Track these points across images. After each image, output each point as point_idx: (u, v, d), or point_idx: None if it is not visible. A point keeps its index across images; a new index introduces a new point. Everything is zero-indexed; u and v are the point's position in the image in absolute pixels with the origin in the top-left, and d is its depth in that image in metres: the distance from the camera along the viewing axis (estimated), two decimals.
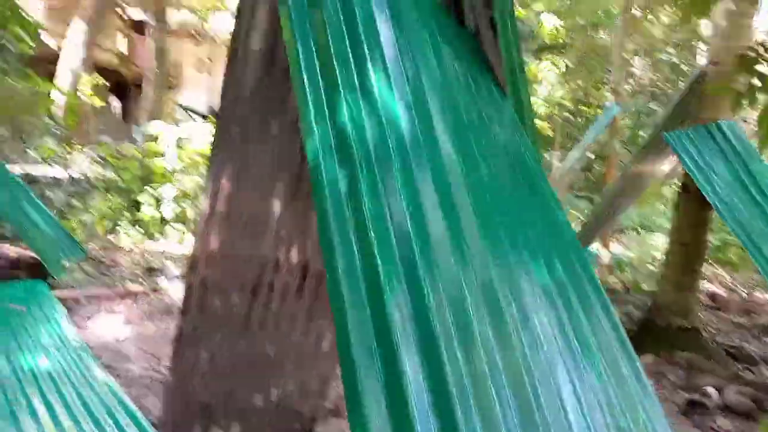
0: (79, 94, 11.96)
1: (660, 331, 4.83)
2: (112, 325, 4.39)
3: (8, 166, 6.92)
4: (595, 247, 8.66)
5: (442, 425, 0.80)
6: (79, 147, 8.26)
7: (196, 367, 2.26)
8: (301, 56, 1.49)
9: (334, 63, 1.46)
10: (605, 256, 7.61)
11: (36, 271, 5.05)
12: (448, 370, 0.85)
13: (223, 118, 2.06)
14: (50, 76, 13.19)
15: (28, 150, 7.24)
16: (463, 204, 1.35)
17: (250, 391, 2.21)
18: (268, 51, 1.93)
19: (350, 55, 1.49)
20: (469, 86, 1.78)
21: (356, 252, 1.23)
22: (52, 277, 4.91)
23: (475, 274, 1.13)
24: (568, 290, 1.27)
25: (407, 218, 1.30)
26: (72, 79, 11.70)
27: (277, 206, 2.03)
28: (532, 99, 12.41)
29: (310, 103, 1.41)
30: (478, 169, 1.50)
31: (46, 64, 14.22)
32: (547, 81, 10.74)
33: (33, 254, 5.16)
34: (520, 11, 11.64)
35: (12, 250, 5.62)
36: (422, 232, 1.27)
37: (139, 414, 2.91)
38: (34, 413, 3.02)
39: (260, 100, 1.89)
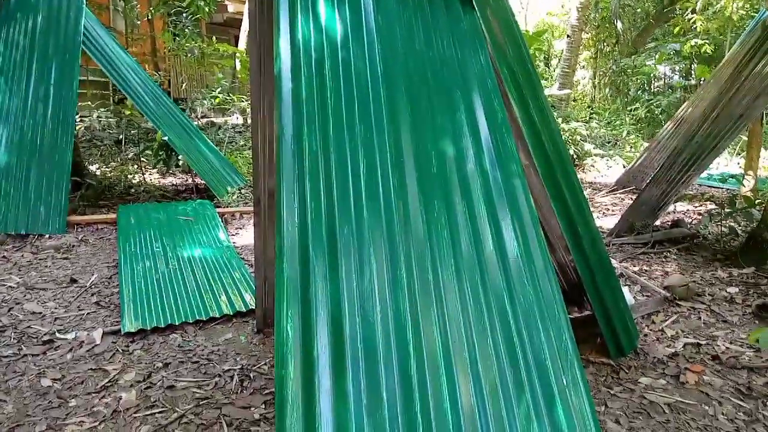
0: None
1: (764, 244, 4.68)
2: None
3: (194, 116, 8.48)
4: (741, 172, 8.02)
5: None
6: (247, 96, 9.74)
7: None
8: None
9: None
10: (749, 182, 7.10)
11: (206, 194, 6.43)
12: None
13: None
14: (236, 39, 15.16)
15: (205, 100, 8.83)
16: (374, 98, 1.91)
17: None
18: None
19: None
20: (422, 6, 2.26)
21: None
22: (218, 198, 6.24)
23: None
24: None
25: (334, 97, 1.90)
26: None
27: None
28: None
29: (279, 30, 2.09)
30: (396, 67, 2.02)
31: (233, 29, 16.30)
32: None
33: (205, 182, 6.55)
34: None
35: (190, 180, 7.12)
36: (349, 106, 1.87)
37: (252, 283, 3.90)
38: (183, 279, 4.15)
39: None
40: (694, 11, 11.57)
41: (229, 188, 6.62)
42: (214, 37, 11.43)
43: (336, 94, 1.94)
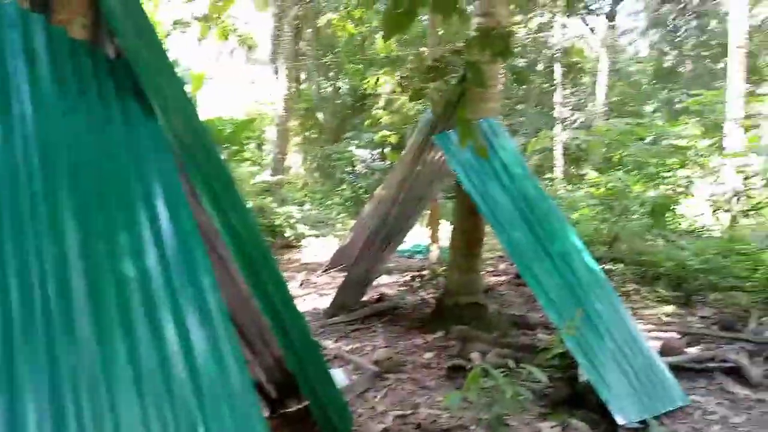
0: None
1: (449, 309, 5.41)
2: None
3: None
4: (428, 243, 9.33)
5: None
6: None
7: None
8: None
9: None
10: (435, 251, 8.27)
11: None
12: None
13: None
14: None
15: None
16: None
17: None
18: None
19: None
20: (93, 110, 2.08)
21: None
22: None
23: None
24: None
25: None
26: None
27: None
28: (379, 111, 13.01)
29: None
30: (56, 180, 1.82)
31: None
32: (384, 93, 11.48)
33: None
34: (351, 28, 12.30)
35: None
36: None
37: None
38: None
39: None
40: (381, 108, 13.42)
41: None
42: None
43: None
